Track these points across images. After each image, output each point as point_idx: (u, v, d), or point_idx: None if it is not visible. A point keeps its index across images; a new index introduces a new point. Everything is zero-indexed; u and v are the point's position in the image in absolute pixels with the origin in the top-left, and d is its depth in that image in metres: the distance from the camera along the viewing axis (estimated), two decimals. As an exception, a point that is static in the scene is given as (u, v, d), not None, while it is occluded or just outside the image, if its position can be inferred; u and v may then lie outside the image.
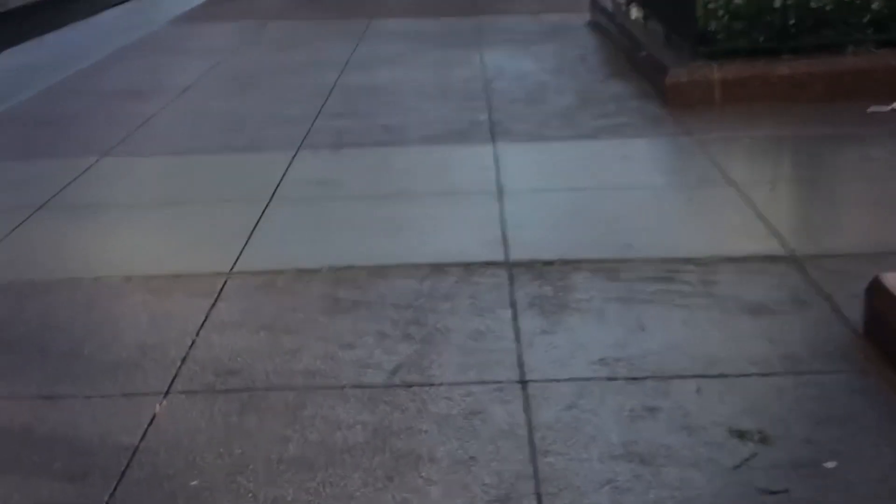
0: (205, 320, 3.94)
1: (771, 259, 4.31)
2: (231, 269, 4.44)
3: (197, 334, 3.83)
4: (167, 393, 3.41)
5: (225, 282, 4.30)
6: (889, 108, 6.56)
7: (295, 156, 6.15)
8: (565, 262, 4.34)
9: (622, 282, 4.13)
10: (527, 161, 5.89)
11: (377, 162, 6.01)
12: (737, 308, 3.86)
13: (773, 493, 2.74)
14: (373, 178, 5.67)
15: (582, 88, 7.70)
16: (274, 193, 5.42)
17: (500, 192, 5.32)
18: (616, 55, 8.95)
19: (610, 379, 3.37)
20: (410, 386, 3.39)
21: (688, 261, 4.31)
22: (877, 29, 7.14)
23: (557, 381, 3.37)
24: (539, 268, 4.30)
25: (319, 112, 7.27)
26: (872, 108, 6.58)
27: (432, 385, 3.39)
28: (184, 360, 3.63)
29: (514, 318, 3.85)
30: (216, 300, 4.12)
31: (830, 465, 2.86)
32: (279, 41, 10.50)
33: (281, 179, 5.67)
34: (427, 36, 10.44)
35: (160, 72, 9.06)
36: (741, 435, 3.02)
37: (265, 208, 5.19)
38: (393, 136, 6.52)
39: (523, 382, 3.37)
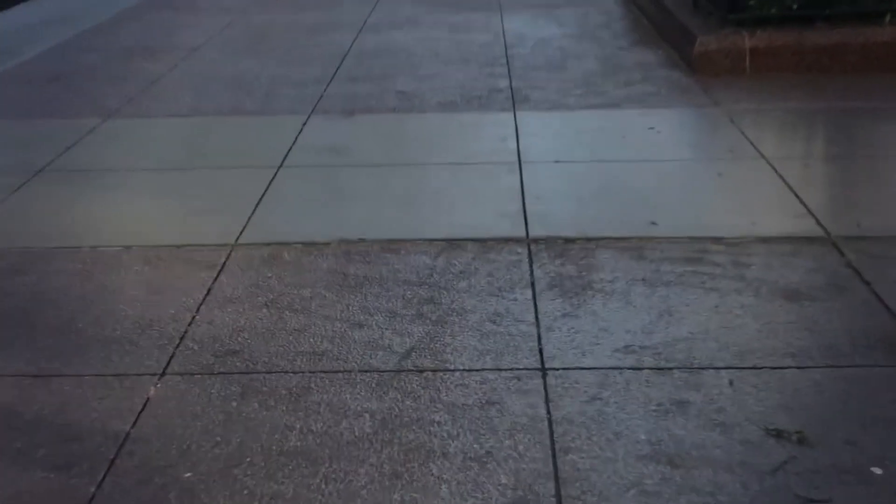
0: (206, 295, 3.73)
1: (807, 240, 4.06)
2: (236, 239, 4.22)
3: (197, 310, 3.62)
4: (163, 374, 3.21)
5: (229, 253, 4.08)
6: (928, 81, 6.27)
7: (307, 121, 5.91)
8: (588, 240, 4.10)
9: (648, 261, 3.90)
10: (548, 131, 5.63)
11: (392, 129, 5.77)
12: (771, 293, 3.62)
13: (814, 501, 2.52)
14: (387, 147, 5.43)
15: (606, 55, 7.42)
16: (284, 160, 5.19)
17: (520, 162, 5.07)
18: (641, 21, 8.64)
19: (636, 369, 3.14)
20: (423, 371, 3.17)
21: (718, 240, 4.07)
22: (916, -3, 6.84)
23: (580, 369, 3.15)
24: (560, 245, 4.06)
25: (334, 75, 7.02)
26: (910, 81, 6.30)
27: (446, 371, 3.17)
28: (182, 338, 3.42)
29: (534, 298, 3.63)
30: (219, 273, 3.91)
31: (877, 471, 2.63)
32: (295, 1, 10.22)
33: (292, 145, 5.43)
34: (446, -2, 10.16)
35: (171, 30, 8.81)
36: (778, 434, 2.80)
37: (274, 176, 4.96)
38: (409, 103, 6.27)
39: (543, 370, 3.15)
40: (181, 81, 6.98)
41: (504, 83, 6.69)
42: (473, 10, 9.47)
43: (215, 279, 3.86)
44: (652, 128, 5.58)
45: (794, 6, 6.83)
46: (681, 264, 3.87)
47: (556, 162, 5.08)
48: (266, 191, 4.76)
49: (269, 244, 4.16)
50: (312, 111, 6.12)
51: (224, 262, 4.00)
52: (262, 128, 5.85)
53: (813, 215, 4.29)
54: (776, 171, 4.81)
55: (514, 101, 6.23)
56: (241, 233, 4.28)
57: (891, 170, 4.88)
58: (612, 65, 7.11)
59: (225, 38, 8.39)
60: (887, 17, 6.74)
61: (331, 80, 6.87)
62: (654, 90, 6.39)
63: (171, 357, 3.31)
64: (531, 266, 3.88)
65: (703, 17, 7.31)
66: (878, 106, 5.90)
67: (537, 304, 3.59)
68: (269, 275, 3.89)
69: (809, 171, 4.88)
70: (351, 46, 7.93)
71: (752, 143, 5.23)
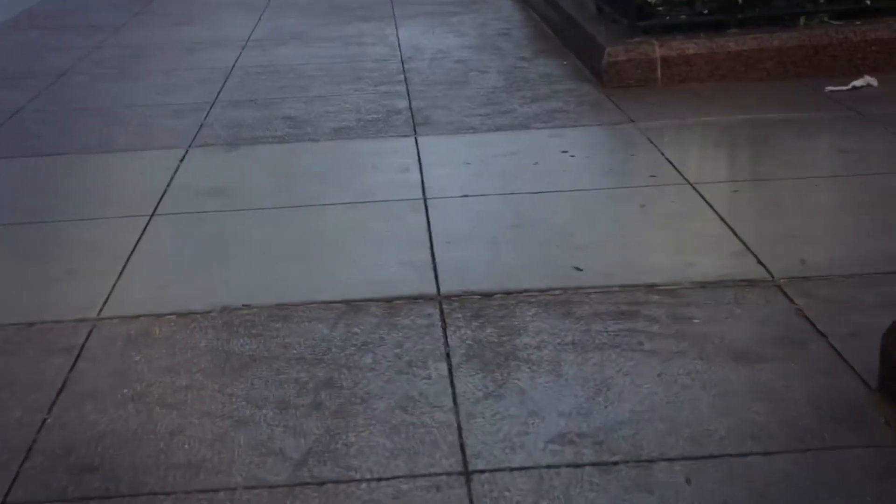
0: (61, 389, 3.12)
1: (748, 284, 3.63)
2: (99, 312, 3.61)
3: (49, 411, 3.01)
4: (1, 506, 2.62)
5: (90, 331, 3.47)
6: (849, 86, 5.95)
7: (185, 156, 5.30)
8: (507, 294, 3.61)
9: (576, 319, 3.42)
10: (453, 158, 5.13)
11: (280, 163, 5.19)
12: (718, 353, 3.18)
13: None
14: (275, 185, 4.86)
15: (508, 68, 6.96)
16: (157, 206, 4.58)
17: (425, 199, 4.55)
18: (543, 29, 8.22)
19: (575, 466, 2.65)
20: (322, 483, 2.63)
21: (651, 288, 3.62)
22: (830, -1, 6.54)
23: (510, 470, 2.65)
24: (476, 302, 3.56)
25: (215, 100, 6.41)
26: (830, 88, 5.97)
27: (351, 481, 2.63)
28: (29, 450, 2.82)
29: (451, 374, 3.12)
30: (77, 359, 3.30)
31: None
32: (173, 15, 9.54)
33: (167, 188, 4.82)
34: (336, 8, 9.57)
35: (35, 53, 8.05)
36: (752, 549, 2.35)
37: (146, 226, 4.35)
38: (299, 130, 5.70)
39: (467, 474, 2.64)
40: (43, 114, 6.28)
41: (403, 103, 6.17)
42: (366, 20, 8.93)
43: (72, 367, 3.26)
44: (565, 151, 5.12)
45: (705, 11, 6.48)
46: (613, 320, 3.41)
47: (465, 196, 4.58)
48: (136, 246, 4.15)
49: (137, 317, 3.56)
50: (191, 144, 5.51)
51: (84, 344, 3.39)
52: (133, 167, 5.22)
53: (752, 252, 3.87)
54: (704, 199, 4.39)
55: (415, 124, 5.72)
56: (104, 303, 3.67)
57: (822, 192, 4.51)
58: (516, 78, 6.66)
59: (95, 61, 7.68)
60: (801, 20, 6.43)
61: (212, 106, 6.26)
62: (563, 106, 5.94)
63: (15, 478, 2.71)
64: (445, 332, 3.37)
65: (609, 24, 6.91)
66: (799, 116, 5.55)
67: (454, 382, 3.08)
68: (138, 358, 3.30)
69: (739, 197, 4.48)
70: (234, 66, 7.31)
71: (674, 166, 4.81)
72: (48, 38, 8.63)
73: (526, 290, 3.63)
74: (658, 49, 6.30)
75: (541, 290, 3.62)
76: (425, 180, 4.79)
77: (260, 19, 9.14)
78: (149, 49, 8.04)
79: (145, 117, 6.07)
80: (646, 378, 3.06)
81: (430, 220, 4.30)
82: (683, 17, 6.46)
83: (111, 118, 6.07)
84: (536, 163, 4.98)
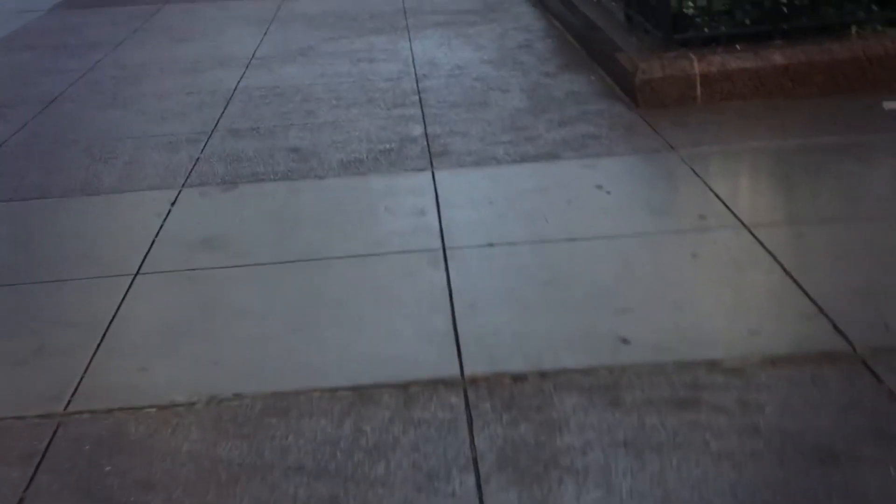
0: (14, 514, 2.62)
1: (827, 357, 3.09)
2: (67, 405, 3.09)
3: (-4, 546, 2.51)
4: None
5: (55, 431, 2.96)
6: (910, 103, 5.40)
7: (176, 198, 4.78)
8: (542, 375, 3.08)
9: (627, 410, 2.89)
10: (475, 196, 4.59)
11: (283, 205, 4.66)
12: (802, 455, 2.64)
13: None
14: (275, 233, 4.33)
15: (532, 85, 6.41)
16: (142, 263, 4.06)
17: (445, 248, 4.02)
18: (567, 40, 7.66)
19: None
20: None
21: (712, 366, 3.07)
22: (883, 4, 5.95)
23: None
24: (507, 386, 3.03)
25: (214, 129, 5.89)
26: (889, 104, 5.41)
27: None
28: None
29: (479, 490, 2.59)
30: (36, 470, 2.79)
31: None
32: (174, 30, 9.03)
33: (154, 239, 4.30)
34: (346, 19, 9.05)
35: (26, 77, 7.56)
36: None
37: (128, 289, 3.84)
38: (304, 164, 5.17)
39: None
40: (27, 148, 5.77)
41: (418, 129, 5.64)
42: (377, 32, 8.40)
43: (31, 480, 2.74)
44: (600, 186, 4.57)
45: (747, 21, 5.91)
46: (671, 410, 2.87)
47: (490, 245, 4.04)
48: (115, 315, 3.63)
49: (110, 411, 3.04)
50: (185, 183, 4.99)
51: (46, 448, 2.88)
52: (119, 213, 4.70)
53: (825, 314, 3.32)
54: (763, 246, 3.84)
55: (432, 155, 5.18)
56: (74, 392, 3.15)
57: (899, 233, 3.97)
58: (541, 97, 6.11)
59: (88, 85, 7.18)
60: (853, 30, 5.86)
61: (210, 137, 5.75)
62: (594, 131, 5.39)
63: None
64: (471, 429, 2.84)
65: (640, 36, 6.36)
66: (858, 139, 4.98)
67: (484, 500, 2.55)
68: (108, 468, 2.77)
69: (803, 243, 3.92)
70: (236, 89, 6.80)
71: (724, 204, 4.26)
72: (42, 59, 8.13)
73: (565, 370, 3.09)
74: (697, 64, 5.73)
75: (582, 370, 3.09)
76: (444, 225, 4.25)
77: (265, 34, 8.62)
78: (146, 70, 7.53)
79: (136, 150, 5.56)
80: (717, 492, 2.52)
81: (451, 276, 3.77)
82: (723, 28, 5.89)
83: (99, 152, 5.56)
84: (569, 201, 4.43)
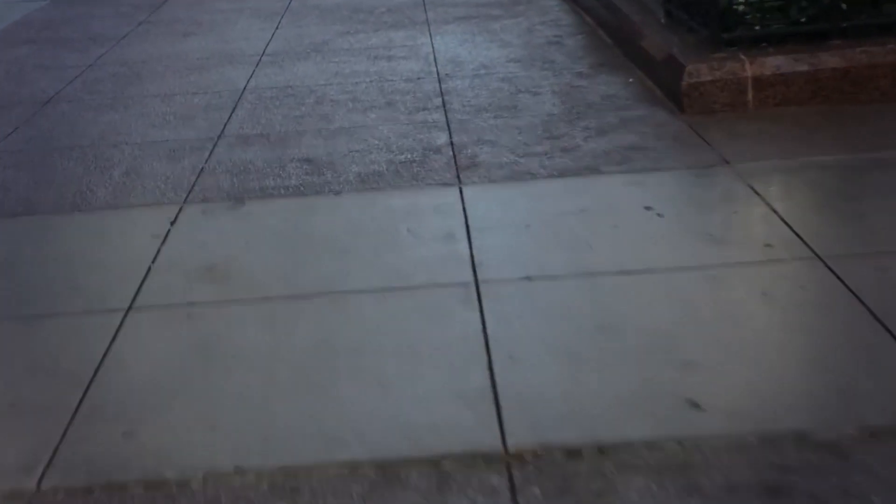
0: None
1: (940, 431, 2.61)
2: (40, 479, 2.62)
3: None
4: None
5: (22, 517, 2.51)
6: None
7: (177, 217, 4.31)
8: (601, 451, 2.60)
9: (706, 499, 2.41)
10: (509, 218, 4.10)
11: (293, 226, 4.17)
12: (926, 567, 2.17)
13: None
14: (285, 260, 3.85)
15: (564, 87, 5.91)
16: (135, 298, 3.58)
17: (477, 282, 3.54)
18: (599, 35, 7.16)
19: None
20: None
21: (802, 439, 2.59)
22: (952, 1, 5.44)
23: None
24: (559, 465, 2.55)
25: (220, 135, 5.42)
26: (963, 113, 4.91)
27: None
28: None
29: None
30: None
31: None
32: (181, 23, 8.55)
33: (150, 267, 3.83)
34: (361, 12, 8.55)
35: (22, 74, 7.09)
36: None
37: (117, 331, 3.35)
38: (319, 177, 4.69)
39: None
40: (18, 156, 5.31)
41: (443, 137, 5.15)
42: (396, 27, 7.91)
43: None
44: (649, 208, 4.08)
45: (802, 19, 5.40)
46: (761, 499, 2.39)
47: (528, 279, 3.55)
48: (101, 363, 3.16)
49: (90, 489, 2.58)
50: (187, 198, 4.52)
51: (10, 541, 2.43)
52: (113, 234, 4.22)
53: (929, 372, 2.85)
54: (843, 283, 3.34)
55: (458, 167, 4.70)
56: (49, 462, 2.69)
57: None
58: (575, 101, 5.61)
59: (87, 83, 6.70)
60: (921, 29, 5.35)
61: (216, 144, 5.27)
62: (638, 141, 4.89)
63: None
64: (518, 521, 2.38)
65: (682, 34, 5.85)
66: (934, 153, 4.49)
67: None
68: (81, 570, 2.33)
69: (889, 280, 3.42)
70: (245, 89, 6.32)
71: (792, 230, 3.76)
72: (40, 54, 7.67)
73: (627, 443, 2.61)
74: (748, 66, 5.23)
75: (647, 444, 2.60)
76: (475, 253, 3.77)
77: (277, 27, 8.14)
78: (150, 67, 7.06)
79: (135, 159, 5.09)
80: None
81: (486, 318, 3.28)
82: (776, 26, 5.39)
83: (95, 161, 5.09)
84: (615, 225, 3.95)
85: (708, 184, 4.36)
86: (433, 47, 7.16)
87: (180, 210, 4.39)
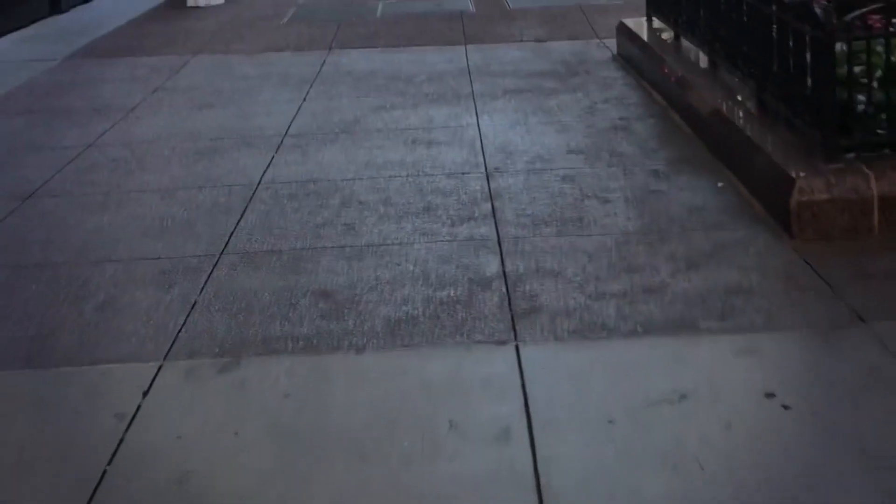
0: None
1: None
2: None
3: None
4: None
5: None
6: None
7: (152, 384, 3.32)
8: None
9: None
10: (583, 406, 3.06)
11: (299, 406, 3.14)
12: None
13: None
14: (283, 472, 2.82)
15: (639, 192, 4.92)
16: (75, 530, 2.64)
17: (546, 521, 2.56)
18: (672, 118, 6.16)
19: None
20: None
21: None
22: None
23: None
24: None
25: (223, 250, 4.47)
26: None
27: None
28: None
29: None
30: None
31: None
32: (199, 92, 7.66)
33: (104, 471, 2.84)
34: (399, 81, 7.63)
35: (7, 156, 6.14)
36: None
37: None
38: (335, 323, 3.71)
39: None
40: (-26, 277, 4.40)
41: (493, 263, 4.17)
42: (437, 101, 6.96)
43: None
44: (771, 395, 3.06)
45: (940, 121, 4.39)
46: None
47: (619, 520, 2.56)
48: None
49: None
50: (169, 351, 3.55)
51: None
52: (65, 409, 3.22)
53: None
54: None
55: (514, 314, 3.70)
56: None
57: None
58: (655, 214, 4.61)
59: (81, 171, 5.78)
60: None
61: (216, 263, 4.31)
62: (741, 280, 3.86)
63: None
64: None
65: (780, 129, 4.84)
66: None
67: None
68: None
69: None
70: (259, 183, 5.38)
71: (978, 444, 2.74)
72: (35, 129, 6.77)
73: None
74: (874, 182, 4.21)
75: None
76: (541, 468, 2.76)
77: (305, 99, 7.22)
78: (155, 149, 6.15)
79: (116, 285, 4.14)
80: None
81: None
82: (906, 130, 4.39)
83: (67, 287, 4.13)
84: (728, 425, 2.92)
85: (843, 355, 3.32)
86: (480, 130, 6.20)
87: (158, 371, 3.42)
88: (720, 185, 4.95)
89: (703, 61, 6.38)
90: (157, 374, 3.40)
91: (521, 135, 6.08)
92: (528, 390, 3.18)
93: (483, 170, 5.43)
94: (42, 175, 5.70)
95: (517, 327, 3.61)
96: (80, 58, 9.34)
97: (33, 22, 11.24)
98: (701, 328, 3.53)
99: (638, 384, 3.18)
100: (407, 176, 5.39)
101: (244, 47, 9.39)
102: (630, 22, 8.04)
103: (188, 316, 3.83)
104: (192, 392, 3.30)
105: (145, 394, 3.28)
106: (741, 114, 5.31)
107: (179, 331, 3.71)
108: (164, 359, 3.51)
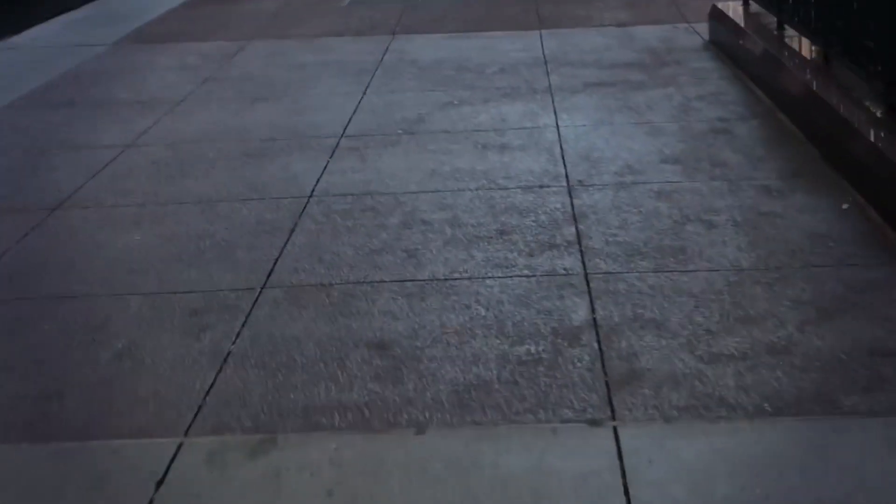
0: None
1: None
2: None
3: None
4: None
5: None
6: None
7: (168, 471, 2.70)
8: None
9: None
10: (702, 516, 2.46)
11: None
12: None
13: None
14: None
15: (750, 214, 4.20)
16: None
17: None
18: (778, 119, 5.41)
19: None
20: None
21: None
22: None
23: None
24: None
25: (265, 283, 3.87)
26: None
27: None
28: None
29: None
30: None
31: None
32: (252, 82, 7.06)
33: None
34: (468, 71, 6.95)
35: (41, 156, 5.61)
36: None
37: None
38: (391, 387, 3.06)
39: None
40: (-17, 312, 3.85)
41: (581, 309, 3.50)
42: (511, 96, 6.28)
43: None
44: (951, 516, 2.39)
45: None
46: None
47: None
48: None
49: None
50: (191, 425, 2.96)
51: None
52: (68, 497, 2.71)
53: None
54: None
55: (609, 383, 3.04)
56: None
57: None
58: (771, 244, 3.90)
59: (117, 177, 5.22)
60: None
61: (256, 300, 3.71)
62: (882, 336, 3.15)
63: None
64: None
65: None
66: None
67: None
68: None
69: None
70: (311, 194, 4.76)
71: None
72: (75, 124, 6.23)
73: None
74: None
75: None
76: None
77: (365, 93, 6.58)
78: (200, 150, 5.56)
79: (139, 327, 3.55)
80: None
81: None
82: None
83: (84, 328, 3.56)
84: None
85: None
86: (559, 132, 5.52)
87: (177, 452, 2.82)
88: (845, 206, 4.22)
89: (814, 53, 5.62)
90: (175, 456, 2.80)
91: (605, 138, 5.38)
92: (631, 494, 2.52)
93: (564, 182, 4.76)
94: (74, 181, 5.15)
95: (614, 400, 2.94)
96: (130, 42, 8.81)
97: (84, 3, 10.77)
98: (843, 406, 2.83)
99: (771, 488, 2.51)
100: (477, 189, 4.73)
101: (302, 31, 8.77)
102: (724, 5, 7.26)
103: (218, 373, 3.23)
104: (213, 485, 2.70)
105: (158, 484, 2.69)
106: (866, 119, 4.56)
107: (207, 394, 3.11)
108: (186, 434, 2.91)
